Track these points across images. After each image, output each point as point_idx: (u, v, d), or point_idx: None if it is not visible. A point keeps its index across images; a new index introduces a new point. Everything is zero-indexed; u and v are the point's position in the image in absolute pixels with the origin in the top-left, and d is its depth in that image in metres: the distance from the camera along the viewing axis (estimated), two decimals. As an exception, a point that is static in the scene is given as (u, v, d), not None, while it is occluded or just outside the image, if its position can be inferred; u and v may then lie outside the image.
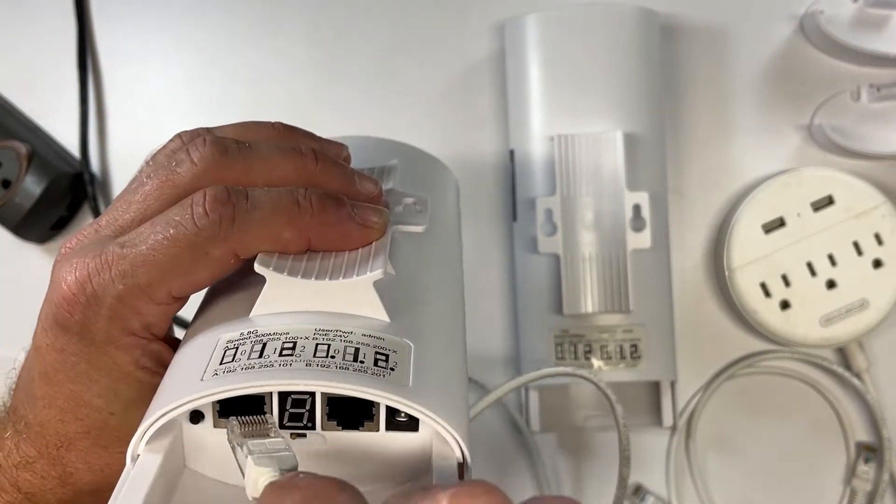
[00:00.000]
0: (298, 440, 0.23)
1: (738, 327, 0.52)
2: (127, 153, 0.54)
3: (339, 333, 0.23)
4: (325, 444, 0.23)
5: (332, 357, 0.22)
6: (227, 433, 0.21)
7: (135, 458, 0.22)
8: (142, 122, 0.54)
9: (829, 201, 0.49)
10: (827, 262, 0.49)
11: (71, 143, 0.54)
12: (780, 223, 0.49)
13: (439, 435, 0.22)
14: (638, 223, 0.46)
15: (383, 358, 0.23)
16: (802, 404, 0.53)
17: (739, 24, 0.52)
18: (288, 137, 0.31)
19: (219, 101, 0.54)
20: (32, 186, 0.50)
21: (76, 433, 0.29)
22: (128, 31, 0.54)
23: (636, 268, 0.46)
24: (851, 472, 0.52)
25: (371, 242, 0.27)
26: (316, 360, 0.22)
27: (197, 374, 0.22)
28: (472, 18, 0.53)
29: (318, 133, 0.55)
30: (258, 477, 0.20)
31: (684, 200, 0.52)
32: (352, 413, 0.23)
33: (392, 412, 0.23)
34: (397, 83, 0.53)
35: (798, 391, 0.53)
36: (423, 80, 0.53)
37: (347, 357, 0.22)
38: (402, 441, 0.23)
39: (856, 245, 0.49)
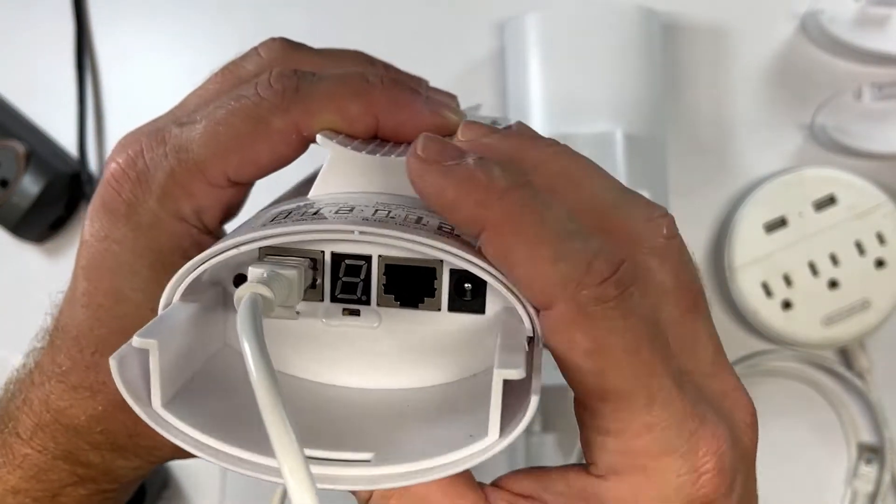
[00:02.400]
0: (351, 318, 0.21)
1: (739, 327, 0.52)
2: (125, 153, 0.54)
3: (401, 205, 0.20)
4: (379, 325, 0.21)
5: (393, 218, 0.19)
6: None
7: (166, 307, 0.20)
8: (140, 122, 0.54)
9: (830, 201, 0.49)
10: (829, 261, 0.49)
11: (69, 143, 0.54)
12: (782, 223, 0.49)
13: (508, 312, 0.20)
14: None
15: (448, 227, 0.20)
16: (804, 405, 0.52)
17: (740, 23, 0.52)
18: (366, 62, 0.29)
19: (218, 100, 0.54)
20: (30, 186, 0.50)
21: (113, 333, 0.26)
22: (126, 31, 0.54)
23: (637, 268, 0.46)
24: (853, 473, 0.52)
25: (442, 134, 0.23)
26: (375, 217, 0.19)
27: (243, 231, 0.20)
28: (471, 18, 0.53)
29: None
30: (242, 291, 0.18)
31: (685, 200, 0.52)
32: (411, 286, 0.20)
33: (457, 289, 0.20)
34: (397, 82, 0.53)
35: (799, 391, 0.52)
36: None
37: (409, 220, 0.19)
38: (464, 325, 0.21)
39: (858, 245, 0.49)
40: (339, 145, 0.23)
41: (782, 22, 0.52)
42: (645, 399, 0.18)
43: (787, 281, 0.49)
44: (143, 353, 0.18)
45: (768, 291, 0.49)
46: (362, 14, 0.53)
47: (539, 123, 0.47)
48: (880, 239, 0.48)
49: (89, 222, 0.26)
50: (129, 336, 0.18)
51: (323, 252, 0.20)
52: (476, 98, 0.52)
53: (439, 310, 0.21)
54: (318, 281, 0.20)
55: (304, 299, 0.20)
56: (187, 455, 0.19)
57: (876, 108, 0.50)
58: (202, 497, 0.53)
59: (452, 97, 0.29)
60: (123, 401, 0.18)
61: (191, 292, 0.20)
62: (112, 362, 0.18)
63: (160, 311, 0.20)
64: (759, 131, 0.52)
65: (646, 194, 0.44)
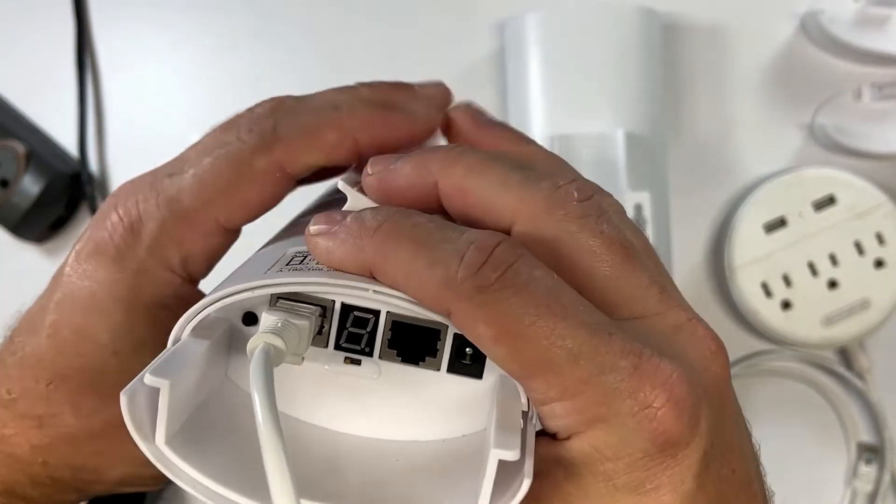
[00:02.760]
0: (351, 367, 0.21)
1: (738, 327, 0.52)
2: (125, 153, 0.54)
3: None
4: (378, 377, 0.21)
5: None
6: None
7: (176, 341, 0.21)
8: (140, 122, 0.54)
9: (830, 201, 0.49)
10: (828, 261, 0.49)
11: (69, 143, 0.54)
12: (782, 223, 0.49)
13: (504, 382, 0.20)
14: (639, 223, 0.46)
15: None
16: (803, 405, 0.52)
17: (740, 23, 0.52)
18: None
19: (218, 101, 0.54)
20: (30, 186, 0.50)
21: (72, 369, 0.27)
22: (126, 31, 0.54)
23: (637, 268, 0.46)
24: (852, 473, 0.52)
25: (419, 135, 0.25)
26: None
27: (259, 271, 0.21)
28: (471, 18, 0.53)
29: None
30: (256, 341, 0.19)
31: (685, 200, 0.52)
32: (414, 344, 0.21)
33: (457, 352, 0.21)
34: (397, 82, 0.53)
35: (799, 391, 0.53)
36: (422, 79, 0.53)
37: None
38: (460, 388, 0.21)
39: (857, 245, 0.49)
40: (358, 192, 0.23)
41: (782, 22, 0.52)
42: (566, 358, 0.19)
43: (787, 281, 0.49)
44: (152, 390, 0.19)
45: (768, 291, 0.49)
46: (362, 15, 0.53)
47: (539, 123, 0.47)
48: (880, 239, 0.48)
49: (74, 261, 0.27)
50: (87, 374, 0.18)
51: (333, 301, 0.21)
52: (476, 98, 0.53)
53: (438, 370, 0.21)
54: (325, 328, 0.21)
55: (311, 344, 0.21)
56: (130, 486, 0.19)
57: (876, 108, 0.50)
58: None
59: (439, 87, 0.30)
60: (72, 433, 0.18)
61: (198, 327, 0.21)
62: (123, 397, 0.19)
63: (170, 346, 0.20)
64: (759, 131, 0.52)
65: (646, 194, 0.45)
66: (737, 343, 0.52)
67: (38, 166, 0.50)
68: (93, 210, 0.52)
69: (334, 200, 0.26)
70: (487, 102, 0.52)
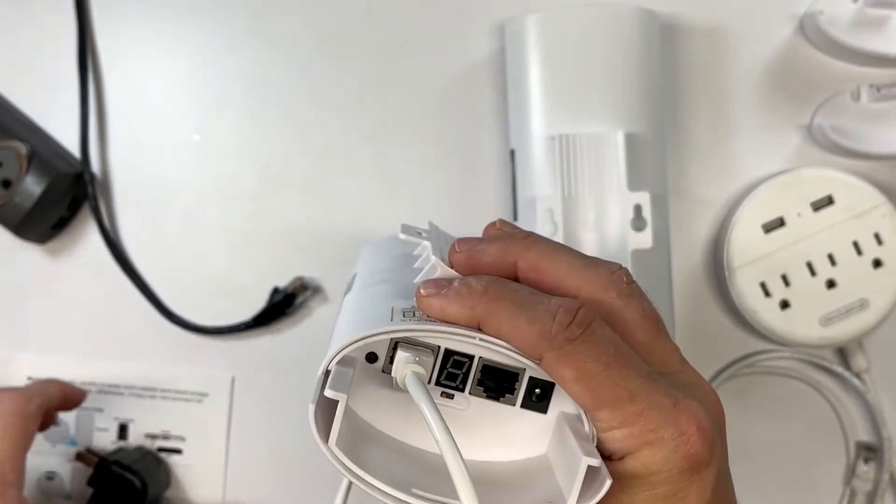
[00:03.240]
0: (446, 399, 0.27)
1: (737, 327, 0.53)
2: (127, 153, 0.54)
3: None
4: (467, 408, 0.27)
5: None
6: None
7: (326, 372, 0.25)
8: (142, 122, 0.54)
9: (828, 201, 0.49)
10: (827, 261, 0.49)
11: (71, 143, 0.54)
12: (780, 223, 0.49)
13: (564, 416, 0.26)
14: (639, 223, 0.46)
15: None
16: (802, 404, 0.53)
17: (739, 24, 0.52)
18: None
19: (219, 100, 0.54)
20: (33, 186, 0.50)
21: None
22: (128, 31, 0.54)
23: (637, 268, 0.46)
24: (851, 472, 0.52)
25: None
26: None
27: (384, 318, 0.26)
28: (472, 18, 0.53)
29: (318, 133, 0.55)
30: (405, 370, 0.25)
31: (684, 200, 0.52)
32: (498, 384, 0.27)
33: (530, 393, 0.27)
34: (397, 83, 0.53)
35: (798, 391, 0.53)
36: (423, 80, 0.53)
37: None
38: (529, 420, 0.27)
39: (856, 245, 0.49)
40: (445, 265, 0.29)
41: (781, 23, 0.52)
42: (627, 396, 0.25)
43: (786, 281, 0.49)
44: (330, 402, 0.24)
45: (767, 291, 0.49)
46: (363, 15, 0.53)
47: (539, 124, 0.47)
48: (878, 239, 0.49)
49: None
50: None
51: (439, 346, 0.26)
52: (476, 99, 0.53)
53: (514, 405, 0.27)
54: (431, 364, 0.27)
55: None
56: None
57: (874, 108, 0.50)
58: (202, 496, 0.53)
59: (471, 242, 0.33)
60: None
61: (341, 361, 0.26)
62: (311, 406, 0.24)
63: (333, 369, 0.25)
64: (758, 132, 0.52)
65: (646, 194, 0.45)
66: (735, 343, 0.52)
67: (40, 167, 0.50)
68: (94, 210, 0.53)
69: (417, 269, 0.30)
70: (487, 103, 0.53)
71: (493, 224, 0.32)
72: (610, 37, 0.47)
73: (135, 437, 0.53)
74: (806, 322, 0.49)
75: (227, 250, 0.53)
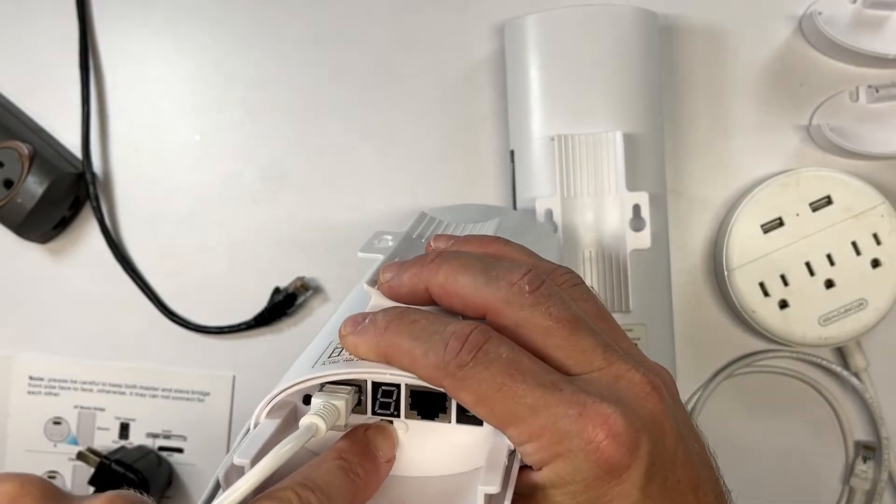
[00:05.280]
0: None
1: (736, 327, 0.53)
2: (128, 153, 0.54)
3: None
4: (407, 432, 0.28)
5: None
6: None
7: (255, 425, 0.28)
8: (143, 123, 0.54)
9: (827, 201, 0.49)
10: (825, 261, 0.49)
11: (73, 144, 0.54)
12: (779, 223, 0.49)
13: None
14: (638, 223, 0.46)
15: None
16: (801, 403, 0.53)
17: (738, 24, 0.53)
18: None
19: (220, 100, 0.54)
20: (34, 186, 0.50)
21: None
22: (129, 32, 0.54)
23: (636, 268, 0.46)
24: (850, 471, 0.52)
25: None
26: None
27: (309, 365, 0.28)
28: (471, 19, 0.53)
29: (319, 134, 0.55)
30: (304, 421, 0.26)
31: (683, 200, 0.52)
32: (430, 406, 0.28)
33: (461, 407, 0.27)
34: (398, 84, 0.53)
35: (797, 390, 0.53)
36: (423, 80, 0.53)
37: None
38: (468, 434, 0.28)
39: (854, 245, 0.49)
40: (379, 294, 0.30)
41: (780, 24, 0.53)
42: (528, 412, 0.25)
43: (785, 281, 0.49)
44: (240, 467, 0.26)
45: (766, 291, 0.49)
46: (363, 16, 0.53)
47: (538, 124, 0.48)
48: (876, 239, 0.49)
49: None
50: None
51: (366, 381, 0.28)
52: (476, 99, 0.53)
53: (450, 422, 0.28)
54: (363, 400, 0.28)
55: (353, 412, 0.28)
56: None
57: (872, 109, 0.51)
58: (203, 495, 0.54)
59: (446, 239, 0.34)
60: None
61: (272, 410, 0.28)
62: (220, 473, 0.26)
63: (252, 429, 0.27)
64: (757, 132, 0.52)
65: (644, 194, 0.45)
66: (734, 342, 0.53)
67: (42, 167, 0.50)
68: (96, 211, 0.53)
69: (363, 298, 0.32)
70: (487, 103, 0.53)
71: (429, 242, 0.33)
72: (609, 37, 0.47)
73: (136, 437, 0.53)
74: (805, 322, 0.49)
75: (228, 250, 0.53)
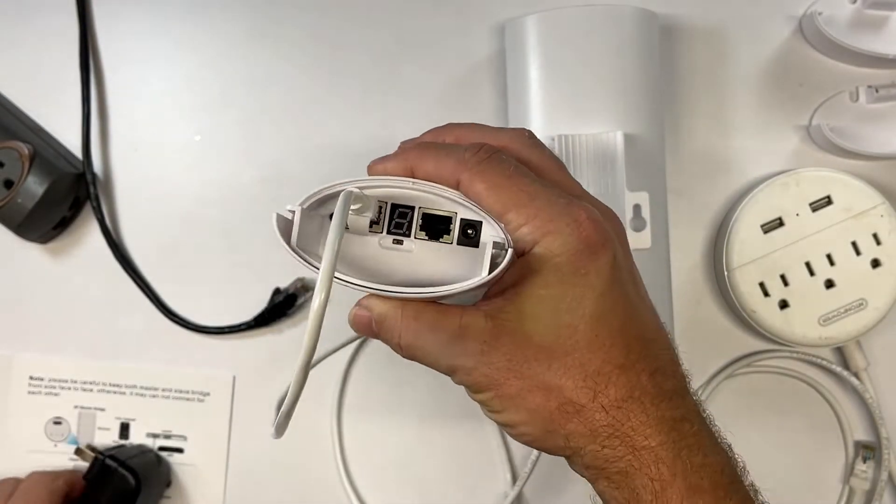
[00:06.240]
0: (397, 245, 0.33)
1: (736, 327, 0.53)
2: (129, 153, 0.54)
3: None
4: (414, 250, 0.32)
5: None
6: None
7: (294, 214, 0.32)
8: (143, 123, 0.54)
9: (827, 201, 0.49)
10: (825, 261, 0.49)
11: (73, 144, 0.54)
12: (779, 223, 0.50)
13: (491, 240, 0.31)
14: (638, 223, 0.46)
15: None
16: (801, 403, 0.53)
17: (738, 25, 0.53)
18: None
19: (220, 101, 0.54)
20: (35, 187, 0.50)
21: None
22: (130, 32, 0.54)
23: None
24: (850, 471, 0.52)
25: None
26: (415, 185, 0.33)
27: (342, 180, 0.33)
28: (472, 19, 0.53)
29: (319, 134, 0.55)
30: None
31: (684, 200, 0.52)
32: (436, 227, 0.32)
33: (463, 232, 0.32)
34: (398, 84, 0.53)
35: (797, 390, 0.53)
36: (423, 80, 0.53)
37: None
38: (465, 254, 0.32)
39: (854, 245, 0.49)
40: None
41: (780, 24, 0.53)
42: (527, 198, 0.31)
43: (785, 281, 0.49)
44: (289, 219, 0.31)
45: (766, 291, 0.49)
46: (363, 16, 0.53)
47: (539, 124, 0.48)
48: (876, 239, 0.49)
49: None
50: None
51: (387, 202, 0.33)
52: (477, 99, 0.53)
53: (451, 243, 0.32)
54: (381, 221, 0.33)
55: (371, 231, 0.32)
56: None
57: (872, 109, 0.51)
58: (203, 495, 0.54)
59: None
60: None
61: (308, 208, 0.32)
62: (273, 215, 0.30)
63: (298, 207, 0.31)
64: (757, 132, 0.52)
65: (645, 194, 0.45)
66: (735, 342, 0.53)
67: (42, 167, 0.50)
68: (96, 211, 0.53)
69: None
70: (488, 103, 0.53)
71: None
72: (610, 37, 0.47)
73: (136, 437, 0.53)
74: (805, 322, 0.49)
75: (229, 250, 0.53)
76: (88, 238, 0.54)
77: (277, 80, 0.54)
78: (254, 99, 0.54)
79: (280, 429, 0.32)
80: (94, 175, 0.53)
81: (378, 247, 0.33)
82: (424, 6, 0.53)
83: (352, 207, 0.31)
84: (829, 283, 0.49)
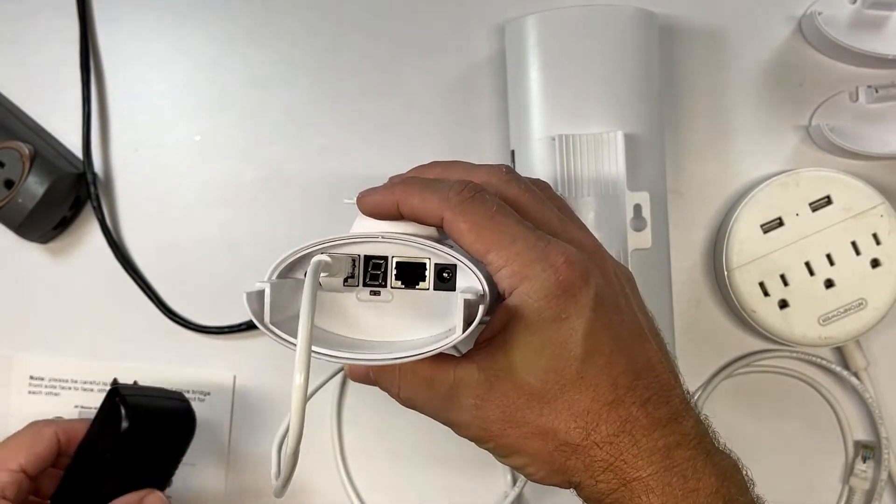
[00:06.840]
0: (374, 296, 0.33)
1: (736, 326, 0.53)
2: (129, 153, 0.54)
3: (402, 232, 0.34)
4: (392, 300, 0.33)
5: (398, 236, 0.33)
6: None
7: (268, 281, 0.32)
8: (144, 123, 0.54)
9: (827, 201, 0.49)
10: (825, 261, 0.49)
11: (74, 144, 0.54)
12: (779, 223, 0.50)
13: (469, 290, 0.32)
14: (638, 223, 0.46)
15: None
16: (801, 403, 0.53)
17: (738, 25, 0.53)
18: None
19: (220, 101, 0.54)
20: (35, 187, 0.50)
21: None
22: (130, 32, 0.54)
23: (637, 267, 0.46)
24: (849, 471, 0.52)
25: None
26: (387, 235, 0.33)
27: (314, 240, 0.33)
28: (472, 20, 0.53)
29: (319, 134, 0.55)
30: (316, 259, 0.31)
31: (684, 200, 0.53)
32: (411, 275, 0.33)
33: (439, 276, 0.33)
34: (398, 85, 0.53)
35: (796, 390, 0.53)
36: (423, 81, 0.53)
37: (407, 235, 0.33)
38: (444, 297, 0.33)
39: (854, 245, 0.49)
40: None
41: (779, 24, 0.53)
42: (508, 239, 0.31)
43: (784, 281, 0.49)
44: (261, 295, 0.30)
45: (765, 291, 0.49)
46: (364, 16, 0.53)
47: (539, 124, 0.48)
48: (876, 239, 0.49)
49: None
50: None
51: (359, 255, 0.33)
52: (477, 100, 0.53)
53: (428, 289, 0.33)
54: (356, 274, 0.33)
55: (346, 285, 0.33)
56: None
57: (872, 109, 0.51)
58: (203, 495, 0.54)
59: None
60: None
61: (279, 275, 0.32)
62: (243, 295, 0.29)
63: (267, 282, 0.31)
64: (757, 133, 0.53)
65: (645, 194, 0.45)
66: (734, 342, 0.53)
67: (43, 167, 0.50)
68: (97, 211, 0.53)
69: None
70: (488, 103, 0.53)
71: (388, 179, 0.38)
72: (609, 37, 0.47)
73: (137, 437, 0.53)
74: (804, 321, 0.49)
75: (229, 250, 0.53)
76: (89, 238, 0.54)
77: (277, 80, 0.54)
78: (254, 99, 0.54)
79: (279, 493, 0.31)
80: (94, 175, 0.53)
81: (356, 301, 0.33)
82: (424, 6, 0.53)
83: (322, 274, 0.31)
84: (829, 283, 0.49)
